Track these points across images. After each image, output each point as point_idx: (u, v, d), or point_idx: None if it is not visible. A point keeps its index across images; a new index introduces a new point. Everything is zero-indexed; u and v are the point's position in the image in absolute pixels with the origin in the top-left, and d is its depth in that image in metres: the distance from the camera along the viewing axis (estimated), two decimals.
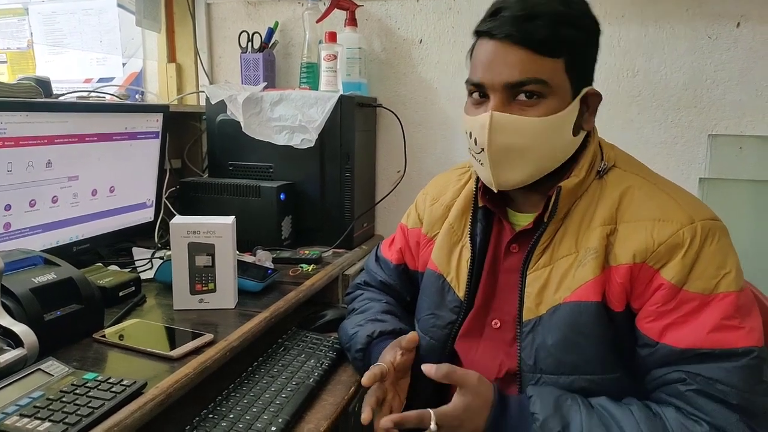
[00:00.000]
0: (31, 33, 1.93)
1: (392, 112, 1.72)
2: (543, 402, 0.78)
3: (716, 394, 0.73)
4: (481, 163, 0.86)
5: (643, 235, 0.79)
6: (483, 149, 0.83)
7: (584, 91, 0.84)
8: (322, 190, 1.58)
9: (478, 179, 0.95)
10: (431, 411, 0.80)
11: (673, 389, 0.76)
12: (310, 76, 1.69)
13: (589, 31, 0.84)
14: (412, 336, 0.94)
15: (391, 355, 0.92)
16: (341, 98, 1.51)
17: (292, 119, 1.51)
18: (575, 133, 0.85)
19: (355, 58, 1.66)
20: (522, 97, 0.81)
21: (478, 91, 0.85)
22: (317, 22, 1.68)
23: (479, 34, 0.84)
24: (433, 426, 0.79)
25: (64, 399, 0.72)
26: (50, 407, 0.70)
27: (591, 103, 0.86)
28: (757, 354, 0.73)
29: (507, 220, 0.93)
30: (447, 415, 0.80)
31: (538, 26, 0.78)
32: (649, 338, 0.78)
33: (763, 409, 0.74)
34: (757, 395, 0.73)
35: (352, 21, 1.67)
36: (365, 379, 0.87)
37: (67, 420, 0.68)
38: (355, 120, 1.54)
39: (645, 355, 0.79)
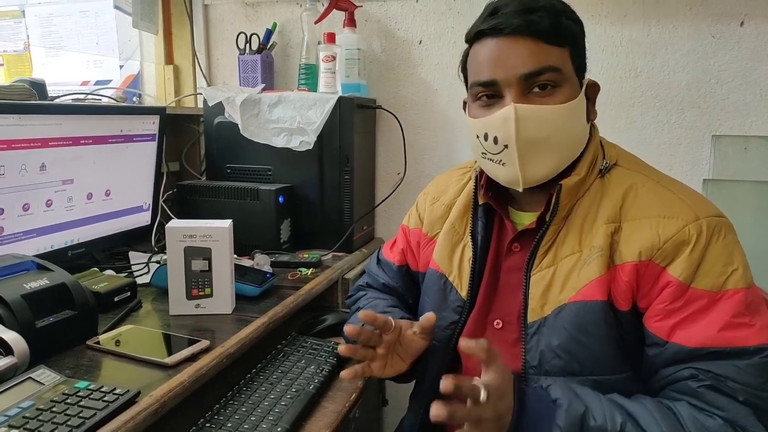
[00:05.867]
0: (28, 35, 1.91)
1: (392, 113, 1.70)
2: (562, 389, 0.76)
3: (727, 390, 0.72)
4: (503, 163, 0.84)
5: (649, 232, 0.78)
6: (507, 146, 0.82)
7: (586, 80, 0.86)
8: (322, 193, 1.56)
9: (477, 177, 0.95)
10: (480, 382, 0.74)
11: (684, 386, 0.75)
12: (309, 77, 1.68)
13: (580, 24, 0.86)
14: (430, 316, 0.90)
15: (407, 324, 0.91)
16: (340, 100, 1.49)
17: (291, 121, 1.49)
18: (587, 121, 0.87)
19: (354, 59, 1.64)
20: (536, 88, 0.81)
21: (487, 92, 0.84)
22: (316, 23, 1.66)
23: (481, 34, 0.84)
24: (483, 395, 0.73)
25: (54, 409, 0.70)
26: (40, 417, 0.68)
27: (591, 93, 0.88)
28: None
29: (509, 218, 0.92)
30: (491, 387, 0.73)
31: (543, 17, 0.80)
32: (658, 337, 0.77)
33: None
34: None
35: (351, 22, 1.65)
36: (362, 315, 0.86)
37: (56, 431, 0.66)
38: (354, 122, 1.52)
39: (653, 354, 0.78)
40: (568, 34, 0.82)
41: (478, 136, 0.86)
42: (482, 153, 0.87)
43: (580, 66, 0.85)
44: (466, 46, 0.89)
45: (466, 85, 0.91)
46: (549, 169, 0.83)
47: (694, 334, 0.74)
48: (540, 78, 0.80)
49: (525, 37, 0.80)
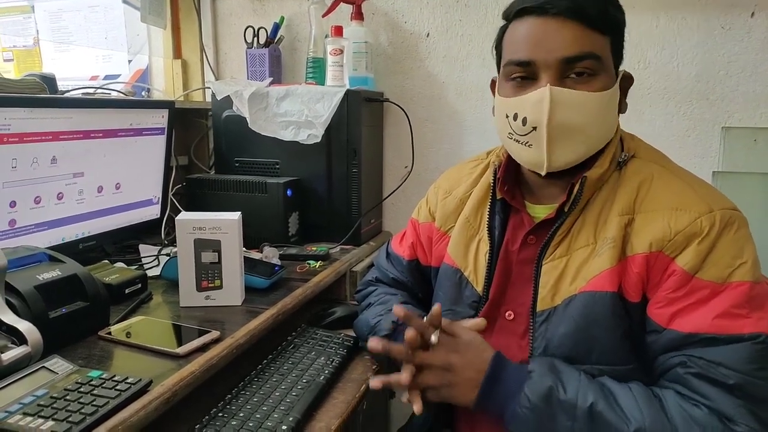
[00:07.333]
0: (38, 30, 1.92)
1: (399, 106, 1.70)
2: (540, 363, 0.79)
3: (718, 378, 0.71)
4: (529, 145, 0.83)
5: (661, 224, 0.78)
6: (535, 128, 0.81)
7: (621, 72, 0.86)
8: (329, 186, 1.56)
9: (496, 171, 0.94)
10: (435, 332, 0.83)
11: (674, 374, 0.75)
12: (317, 70, 1.68)
13: (623, 14, 0.85)
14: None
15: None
16: (348, 93, 1.49)
17: (299, 114, 1.50)
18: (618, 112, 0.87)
19: (362, 52, 1.64)
20: (573, 74, 0.80)
21: (522, 73, 0.82)
22: (323, 16, 1.66)
23: (524, 11, 0.82)
24: (434, 338, 0.82)
25: (68, 397, 0.71)
26: (54, 405, 0.69)
27: (624, 85, 0.87)
28: (764, 339, 0.72)
29: (525, 211, 0.92)
30: (450, 338, 0.83)
31: (591, 2, 0.79)
32: (657, 324, 0.77)
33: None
34: (762, 380, 0.71)
35: (358, 15, 1.65)
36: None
37: (70, 419, 0.67)
38: (361, 115, 1.53)
39: (651, 341, 0.78)
40: (613, 23, 0.82)
41: (507, 116, 0.85)
42: (509, 134, 0.86)
43: (618, 56, 0.85)
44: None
45: (498, 64, 0.89)
46: (575, 156, 0.83)
47: (689, 320, 0.74)
48: (579, 64, 0.79)
49: (571, 19, 0.78)
